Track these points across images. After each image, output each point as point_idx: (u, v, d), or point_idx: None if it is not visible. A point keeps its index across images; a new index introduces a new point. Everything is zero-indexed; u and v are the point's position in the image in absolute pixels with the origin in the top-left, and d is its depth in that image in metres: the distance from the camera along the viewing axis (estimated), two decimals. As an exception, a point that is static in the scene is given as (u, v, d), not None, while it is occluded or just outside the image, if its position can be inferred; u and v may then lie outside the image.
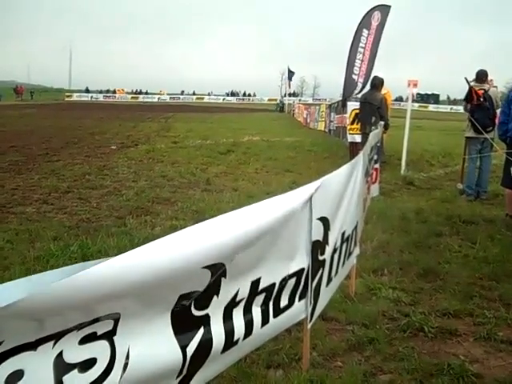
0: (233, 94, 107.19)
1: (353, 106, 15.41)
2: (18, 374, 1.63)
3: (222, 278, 2.40)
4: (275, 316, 3.03)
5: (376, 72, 13.94)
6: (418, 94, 76.25)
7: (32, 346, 1.67)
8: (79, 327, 1.78)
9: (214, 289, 2.37)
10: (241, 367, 3.67)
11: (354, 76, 18.36)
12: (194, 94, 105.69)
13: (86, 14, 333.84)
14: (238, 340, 2.66)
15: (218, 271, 2.32)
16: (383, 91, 13.62)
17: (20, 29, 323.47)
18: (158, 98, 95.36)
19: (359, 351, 4.13)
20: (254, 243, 2.58)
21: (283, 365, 3.88)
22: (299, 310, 3.36)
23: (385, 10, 18.26)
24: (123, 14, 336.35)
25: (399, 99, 67.95)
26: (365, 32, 18.07)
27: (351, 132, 15.13)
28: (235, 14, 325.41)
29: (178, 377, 2.29)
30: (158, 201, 9.19)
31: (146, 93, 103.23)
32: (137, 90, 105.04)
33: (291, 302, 3.21)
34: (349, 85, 18.41)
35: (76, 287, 1.73)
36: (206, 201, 9.21)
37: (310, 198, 3.15)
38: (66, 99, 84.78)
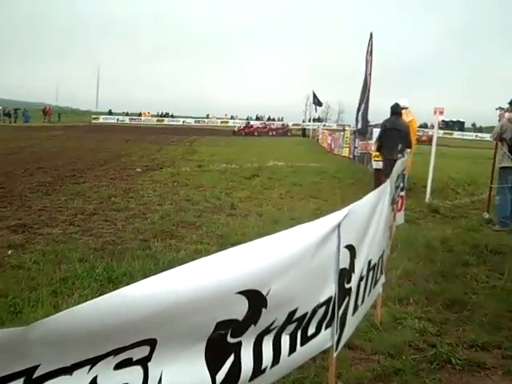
0: (257, 119, 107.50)
1: (378, 132, 15.39)
2: (53, 398, 1.64)
3: (263, 309, 2.40)
4: (302, 344, 3.00)
5: (399, 99, 13.91)
6: (443, 120, 75.81)
7: (68, 370, 1.67)
8: (116, 352, 1.79)
9: (253, 318, 2.37)
10: (265, 395, 3.64)
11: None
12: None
13: (114, 38, 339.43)
14: (265, 368, 2.64)
15: (255, 300, 2.31)
16: (409, 118, 13.60)
17: (48, 51, 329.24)
18: (183, 122, 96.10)
19: (385, 382, 4.09)
20: (288, 271, 2.58)
21: (308, 393, 3.86)
22: (325, 338, 3.32)
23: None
24: (149, 38, 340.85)
25: (423, 126, 67.54)
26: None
27: (376, 159, 15.08)
28: (260, 39, 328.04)
29: (206, 404, 2.27)
30: (182, 224, 9.23)
31: (172, 116, 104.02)
32: (162, 113, 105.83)
33: (318, 331, 3.18)
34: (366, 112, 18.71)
35: (108, 307, 1.74)
36: (230, 225, 9.23)
37: (339, 226, 3.13)
38: (93, 121, 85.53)
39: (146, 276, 1.92)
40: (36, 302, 5.19)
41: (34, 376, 1.58)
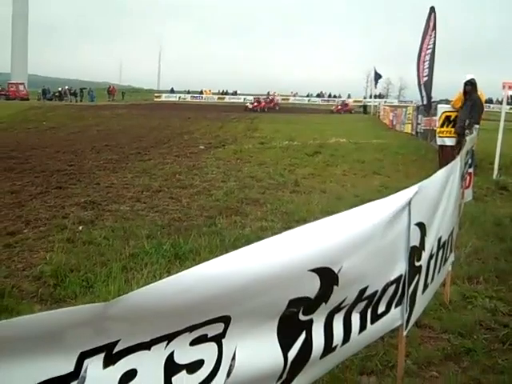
0: (318, 96, 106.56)
1: (443, 108, 15.00)
2: (132, 373, 1.66)
3: (334, 286, 2.39)
4: (372, 322, 2.98)
5: (466, 75, 13.51)
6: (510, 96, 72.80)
7: (146, 345, 1.70)
8: (192, 329, 1.81)
9: (324, 296, 2.36)
10: (334, 373, 3.62)
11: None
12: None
13: (176, 17, 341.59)
14: (336, 346, 2.64)
15: (327, 278, 2.30)
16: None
17: (112, 32, 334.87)
18: (244, 99, 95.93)
19: (456, 361, 4.02)
20: (360, 248, 2.55)
21: (376, 372, 3.83)
22: (395, 316, 3.29)
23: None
24: (211, 17, 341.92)
25: (488, 101, 65.19)
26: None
27: (441, 135, 14.71)
28: (322, 15, 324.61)
29: (277, 381, 2.28)
30: (247, 201, 9.26)
31: (233, 93, 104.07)
32: (223, 91, 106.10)
33: (388, 309, 3.15)
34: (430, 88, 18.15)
35: (185, 284, 1.76)
36: (294, 202, 9.23)
37: (409, 203, 3.08)
38: (155, 99, 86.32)
39: (212, 253, 1.94)
40: (107, 277, 5.32)
41: (115, 351, 1.62)
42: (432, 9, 18.32)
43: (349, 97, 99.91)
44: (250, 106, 56.21)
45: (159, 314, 1.70)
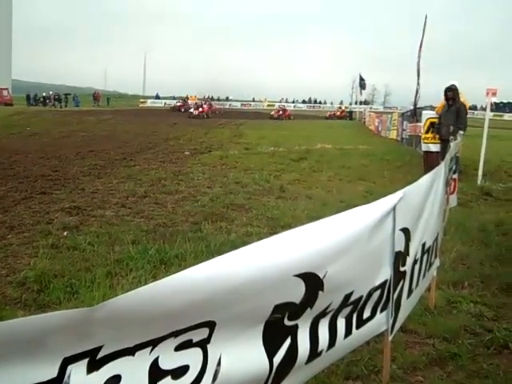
0: (304, 102, 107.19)
1: (428, 114, 15.10)
2: (116, 379, 1.65)
3: (319, 292, 2.39)
4: (358, 327, 2.99)
5: (449, 81, 13.60)
6: (494, 102, 73.24)
7: (130, 351, 1.69)
8: (176, 334, 1.80)
9: (309, 301, 2.36)
10: (319, 378, 3.61)
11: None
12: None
13: (161, 23, 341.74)
14: (321, 351, 2.64)
15: (312, 283, 2.30)
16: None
17: (96, 38, 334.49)
18: (229, 105, 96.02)
19: (441, 366, 4.03)
20: (345, 254, 2.56)
21: (362, 376, 3.83)
22: (380, 321, 3.30)
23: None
24: (196, 23, 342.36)
25: (473, 108, 65.74)
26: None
27: (426, 141, 14.81)
28: (306, 21, 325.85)
29: (263, 386, 2.28)
30: (232, 207, 9.24)
31: (221, 100, 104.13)
32: (208, 96, 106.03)
33: (373, 314, 3.16)
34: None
35: (170, 289, 1.76)
36: (280, 208, 9.22)
37: (394, 208, 3.09)
38: (141, 105, 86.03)
39: (197, 258, 1.93)
40: (92, 283, 5.29)
41: (98, 357, 1.60)
42: (426, 17, 18.52)
43: (341, 103, 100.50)
44: (196, 113, 55.04)
45: (144, 319, 1.69)
